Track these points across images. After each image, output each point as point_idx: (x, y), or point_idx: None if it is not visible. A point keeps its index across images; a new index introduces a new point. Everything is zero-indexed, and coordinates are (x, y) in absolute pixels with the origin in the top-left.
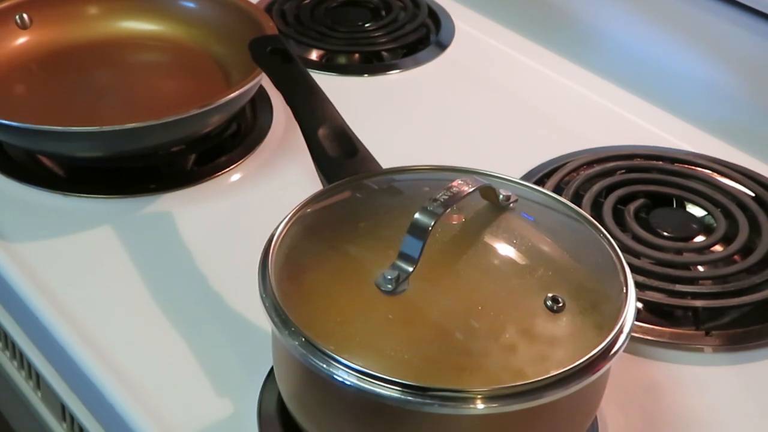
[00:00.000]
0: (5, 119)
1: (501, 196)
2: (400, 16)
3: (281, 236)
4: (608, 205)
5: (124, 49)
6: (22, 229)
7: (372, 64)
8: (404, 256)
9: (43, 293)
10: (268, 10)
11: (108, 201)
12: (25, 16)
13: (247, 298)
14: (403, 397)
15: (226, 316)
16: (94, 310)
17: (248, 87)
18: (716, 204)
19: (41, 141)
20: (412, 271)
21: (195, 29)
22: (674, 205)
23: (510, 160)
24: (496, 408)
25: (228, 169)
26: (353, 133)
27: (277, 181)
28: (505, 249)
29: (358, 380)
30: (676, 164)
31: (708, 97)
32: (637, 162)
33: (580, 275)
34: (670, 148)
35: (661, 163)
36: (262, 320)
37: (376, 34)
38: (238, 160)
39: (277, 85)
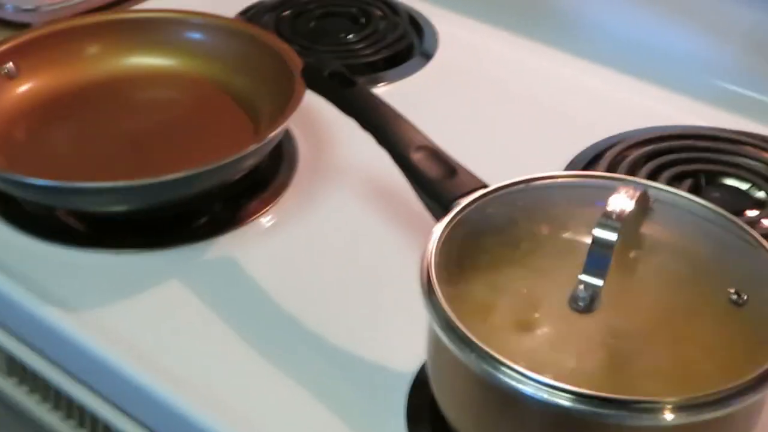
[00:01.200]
0: (31, 177)
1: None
2: (380, 26)
3: (434, 259)
4: None
5: (133, 87)
6: (86, 295)
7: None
8: (591, 273)
9: (136, 359)
10: (248, 20)
11: (151, 254)
12: (10, 65)
13: (341, 327)
14: (599, 410)
15: (329, 350)
16: (193, 365)
17: (286, 124)
18: (764, 177)
19: (71, 198)
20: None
21: (206, 62)
22: (718, 182)
23: (538, 159)
24: (688, 418)
25: (265, 210)
26: (442, 149)
27: (320, 211)
28: (665, 253)
29: (556, 397)
30: (717, 141)
31: (706, 71)
32: (677, 142)
33: (744, 270)
34: (700, 126)
35: (700, 141)
36: (365, 347)
37: (359, 46)
38: (273, 199)
39: (347, 112)
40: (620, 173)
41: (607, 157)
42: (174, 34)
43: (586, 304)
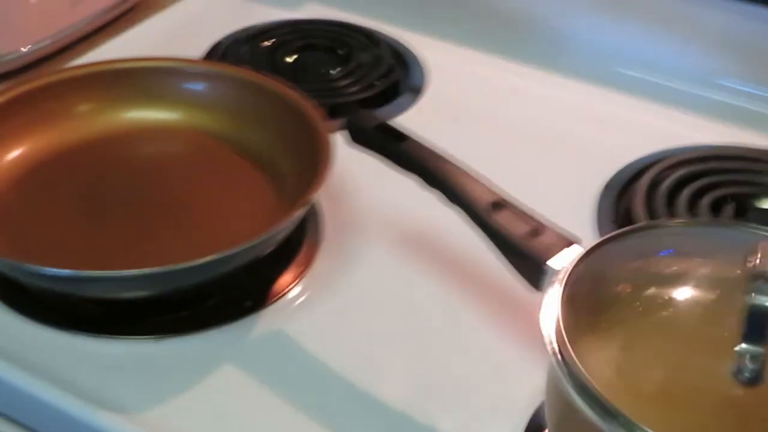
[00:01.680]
0: (47, 266)
1: None
2: (362, 59)
3: (561, 320)
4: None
5: (133, 146)
6: (139, 391)
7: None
8: (751, 341)
9: None
10: (221, 58)
11: (189, 338)
12: None
13: (412, 392)
14: None
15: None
16: None
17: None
18: None
19: (91, 286)
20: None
21: (211, 115)
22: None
23: (566, 191)
24: None
25: (300, 276)
26: (519, 204)
27: (358, 271)
28: None
29: None
30: (747, 162)
31: (706, 86)
32: (709, 164)
33: None
34: (726, 145)
35: (730, 162)
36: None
37: (343, 83)
38: (307, 263)
39: (406, 168)
40: (660, 201)
41: (641, 187)
42: (172, 85)
43: (753, 376)
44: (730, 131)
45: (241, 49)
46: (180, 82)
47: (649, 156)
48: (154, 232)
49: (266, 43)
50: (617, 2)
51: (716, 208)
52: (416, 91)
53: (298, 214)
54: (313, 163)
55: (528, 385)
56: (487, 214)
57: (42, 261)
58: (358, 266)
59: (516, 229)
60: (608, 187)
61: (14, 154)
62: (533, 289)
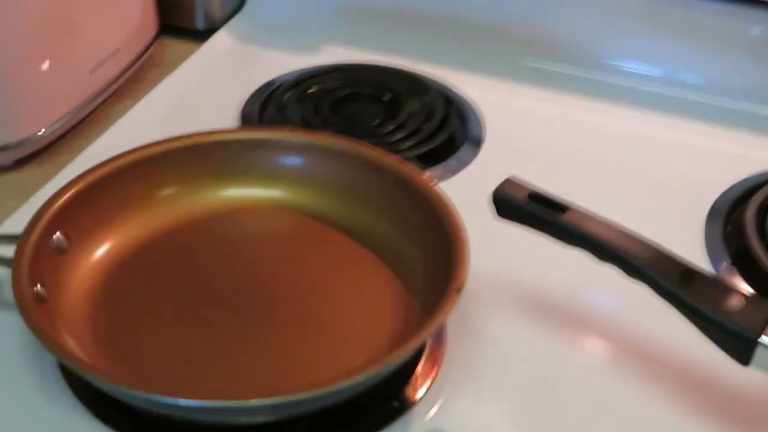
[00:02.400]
0: (177, 396)
1: None
2: (414, 107)
3: None
4: None
5: (226, 231)
6: None
7: None
8: None
9: None
10: (262, 109)
11: None
12: (57, 236)
13: None
14: None
15: None
16: None
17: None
18: None
19: (218, 415)
20: None
21: (314, 193)
22: None
23: (670, 230)
24: None
25: (433, 379)
26: (706, 270)
27: (492, 359)
28: None
29: None
30: None
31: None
32: None
33: None
34: None
35: None
36: None
37: (396, 137)
38: (436, 362)
39: (571, 243)
40: None
41: (749, 215)
42: (266, 160)
43: None
44: None
45: (276, 107)
46: (275, 155)
47: (742, 182)
48: (263, 336)
49: (302, 97)
50: (670, 23)
51: None
52: (476, 141)
53: (441, 321)
54: (442, 253)
55: None
56: (679, 288)
57: (148, 381)
58: (493, 347)
59: (713, 301)
60: (712, 215)
61: (101, 250)
62: (739, 364)
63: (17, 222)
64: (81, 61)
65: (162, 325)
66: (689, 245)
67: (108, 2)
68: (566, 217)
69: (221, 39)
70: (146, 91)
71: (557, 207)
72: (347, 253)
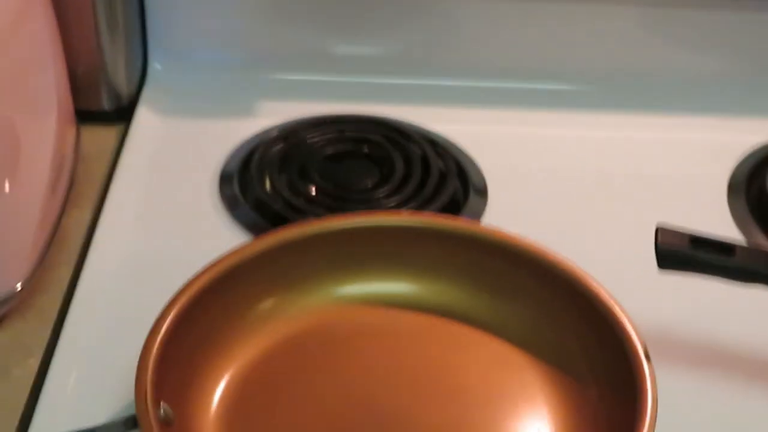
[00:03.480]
0: None
1: None
2: (402, 159)
3: None
4: None
5: (354, 335)
6: None
7: None
8: None
9: None
10: (242, 173)
11: None
12: (163, 408)
13: None
14: None
15: None
16: None
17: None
18: None
19: None
20: None
21: (451, 288)
22: None
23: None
24: None
25: None
26: None
27: None
28: None
29: None
30: None
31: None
32: None
33: None
34: None
35: None
36: None
37: (395, 201)
38: None
39: (747, 281)
40: None
41: None
42: (384, 248)
43: None
44: None
45: (252, 184)
46: (397, 243)
47: (745, 161)
48: None
49: (272, 170)
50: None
51: None
52: (481, 191)
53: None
54: (618, 377)
55: None
56: None
57: None
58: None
59: None
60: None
61: (220, 386)
62: None
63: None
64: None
65: None
66: (720, 226)
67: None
68: (735, 259)
69: (147, 119)
70: (97, 194)
71: (723, 248)
72: (494, 355)
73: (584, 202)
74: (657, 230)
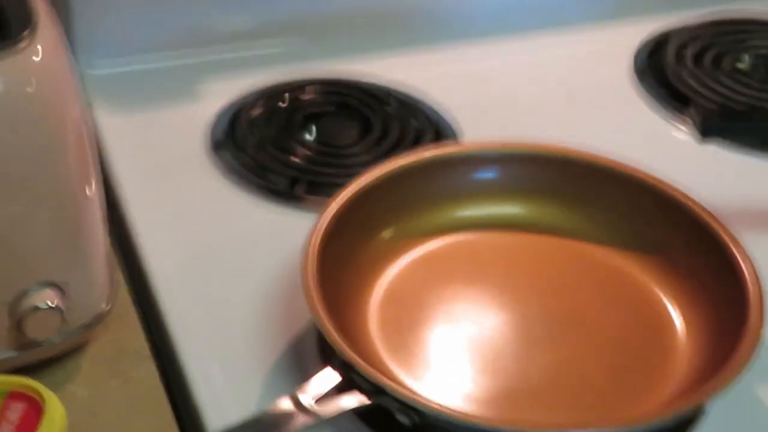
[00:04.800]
0: None
1: None
2: (386, 124)
3: None
4: None
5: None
6: None
7: None
8: None
9: None
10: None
11: None
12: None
13: None
14: None
15: None
16: None
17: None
18: None
19: None
20: None
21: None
22: None
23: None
24: None
25: None
26: None
27: None
28: None
29: None
30: None
31: None
32: None
33: None
34: None
35: None
36: None
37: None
38: None
39: None
40: None
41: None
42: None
43: None
44: None
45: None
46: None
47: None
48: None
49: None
50: None
51: None
52: (454, 133)
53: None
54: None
55: None
56: None
57: None
58: None
59: None
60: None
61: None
62: None
63: None
64: None
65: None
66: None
67: None
68: None
69: (109, 122)
70: None
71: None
72: (600, 260)
73: (549, 119)
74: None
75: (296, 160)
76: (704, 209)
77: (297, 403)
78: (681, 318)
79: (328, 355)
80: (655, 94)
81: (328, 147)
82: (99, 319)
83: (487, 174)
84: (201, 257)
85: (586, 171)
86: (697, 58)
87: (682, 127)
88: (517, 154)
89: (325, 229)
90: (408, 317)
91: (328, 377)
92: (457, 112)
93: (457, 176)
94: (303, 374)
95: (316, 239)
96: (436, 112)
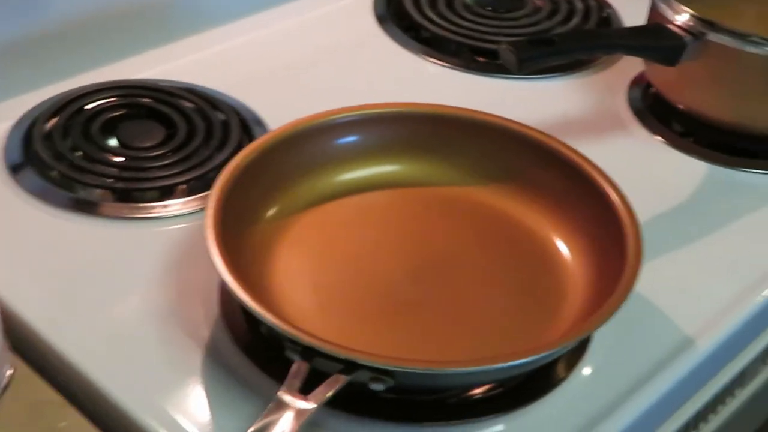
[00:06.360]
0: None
1: None
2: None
3: None
4: None
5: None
6: None
7: None
8: None
9: None
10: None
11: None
12: None
13: None
14: None
15: None
16: None
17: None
18: None
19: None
20: None
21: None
22: None
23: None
24: None
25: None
26: None
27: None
28: None
29: None
30: None
31: None
32: None
33: None
34: None
35: None
36: None
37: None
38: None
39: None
40: None
41: None
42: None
43: None
44: None
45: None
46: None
47: None
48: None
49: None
50: None
51: None
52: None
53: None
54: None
55: None
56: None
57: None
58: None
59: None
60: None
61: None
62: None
63: None
64: None
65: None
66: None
67: None
68: (560, 44)
69: None
70: None
71: (549, 42)
72: (480, 218)
73: (323, 80)
74: (513, 45)
75: (104, 168)
76: (542, 133)
77: (286, 404)
78: (564, 244)
79: (268, 356)
80: (401, 38)
81: (134, 151)
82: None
83: (351, 137)
84: (62, 288)
85: (436, 122)
86: (433, 1)
87: (436, 62)
88: (373, 114)
89: (214, 221)
90: (313, 290)
91: (299, 371)
92: (244, 94)
93: (323, 145)
94: (232, 373)
95: (211, 233)
96: (235, 100)
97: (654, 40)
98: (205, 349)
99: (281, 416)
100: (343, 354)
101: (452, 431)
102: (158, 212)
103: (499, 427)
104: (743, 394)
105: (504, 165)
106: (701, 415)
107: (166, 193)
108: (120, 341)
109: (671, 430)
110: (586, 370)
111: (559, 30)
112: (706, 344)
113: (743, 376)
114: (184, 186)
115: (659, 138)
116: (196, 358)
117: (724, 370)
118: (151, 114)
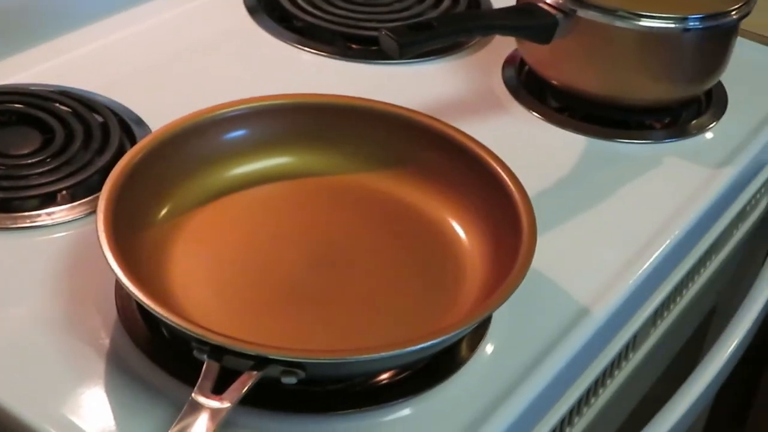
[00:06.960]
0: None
1: None
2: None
3: None
4: None
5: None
6: None
7: None
8: None
9: None
10: None
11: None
12: None
13: None
14: None
15: None
16: None
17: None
18: None
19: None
20: None
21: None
22: None
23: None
24: None
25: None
26: None
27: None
28: None
29: None
30: None
31: None
32: None
33: None
34: None
35: None
36: None
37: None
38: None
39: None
40: None
41: None
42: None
43: None
44: None
45: None
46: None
47: None
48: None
49: None
50: None
51: None
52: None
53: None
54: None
55: None
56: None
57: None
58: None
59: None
60: None
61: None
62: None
63: None
64: None
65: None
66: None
67: None
68: (438, 28)
69: None
70: None
71: (427, 26)
72: (374, 205)
73: (196, 75)
74: (392, 30)
75: None
76: (428, 116)
77: (201, 405)
78: (459, 226)
79: (173, 358)
80: (275, 29)
81: (11, 159)
82: None
83: (239, 132)
84: None
85: (323, 112)
86: None
87: (312, 51)
88: (259, 107)
89: (105, 224)
90: (214, 288)
91: (210, 371)
92: (121, 94)
93: (211, 141)
94: (137, 378)
95: (104, 236)
96: (111, 100)
97: (528, 20)
98: (106, 356)
99: (197, 418)
100: (253, 350)
101: (361, 418)
102: (43, 220)
103: (407, 411)
104: (636, 357)
105: (393, 151)
106: (600, 382)
107: (48, 200)
108: (14, 352)
109: (574, 397)
110: (488, 348)
111: (432, 14)
112: (600, 312)
113: (636, 340)
114: (66, 192)
115: (536, 114)
116: (98, 366)
117: (619, 335)
118: (25, 120)
